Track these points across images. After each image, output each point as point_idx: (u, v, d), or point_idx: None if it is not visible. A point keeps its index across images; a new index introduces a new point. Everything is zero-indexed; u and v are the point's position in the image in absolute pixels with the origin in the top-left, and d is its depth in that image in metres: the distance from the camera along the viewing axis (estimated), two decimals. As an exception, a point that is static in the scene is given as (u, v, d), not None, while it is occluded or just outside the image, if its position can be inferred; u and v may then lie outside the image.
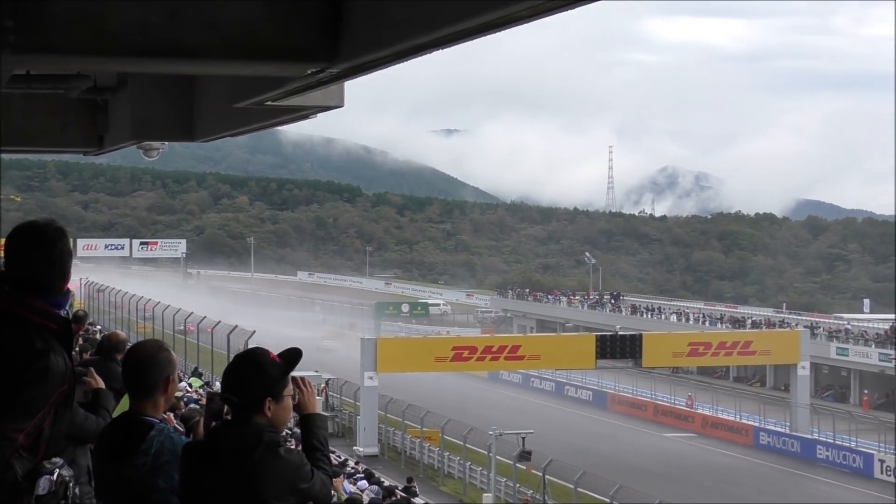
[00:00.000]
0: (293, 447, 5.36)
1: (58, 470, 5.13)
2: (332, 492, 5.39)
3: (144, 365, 5.75)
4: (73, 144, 12.27)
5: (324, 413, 5.43)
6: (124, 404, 6.27)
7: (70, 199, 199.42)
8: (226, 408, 5.44)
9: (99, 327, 38.29)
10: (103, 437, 5.92)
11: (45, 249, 5.05)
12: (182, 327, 60.65)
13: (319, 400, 50.40)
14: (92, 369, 7.46)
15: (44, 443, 5.07)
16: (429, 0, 4.74)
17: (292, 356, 5.32)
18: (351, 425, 63.95)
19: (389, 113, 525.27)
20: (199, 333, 58.00)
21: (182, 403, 17.69)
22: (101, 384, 7.32)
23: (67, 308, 6.21)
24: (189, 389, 26.03)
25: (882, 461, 58.80)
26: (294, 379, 5.43)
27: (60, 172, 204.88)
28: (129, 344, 8.17)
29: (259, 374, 5.22)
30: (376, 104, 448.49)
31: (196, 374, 41.24)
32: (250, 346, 5.62)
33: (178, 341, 57.38)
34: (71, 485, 5.16)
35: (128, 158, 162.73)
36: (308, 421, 5.51)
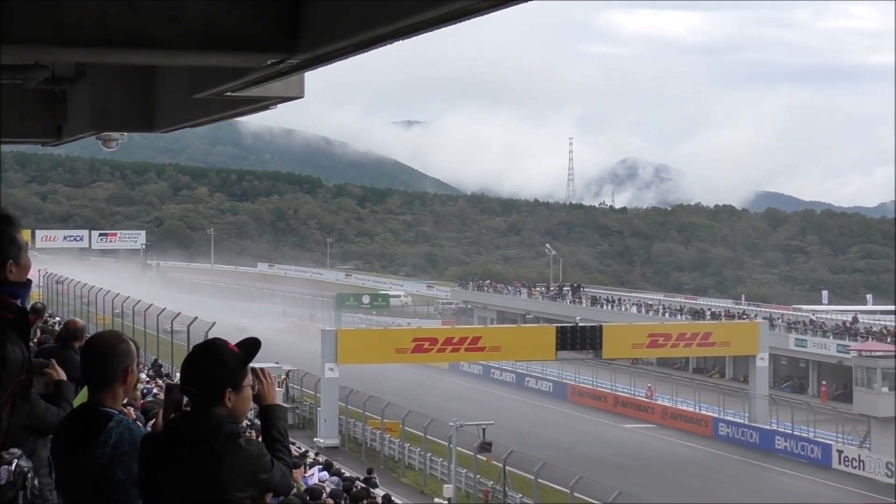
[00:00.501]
0: (253, 438, 5.35)
1: (16, 460, 5.11)
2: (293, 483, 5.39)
3: (103, 356, 5.70)
4: (31, 135, 12.20)
5: (284, 404, 5.41)
6: (83, 395, 6.24)
7: (28, 189, 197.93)
8: (185, 399, 5.42)
9: (58, 318, 38.06)
10: (62, 429, 5.88)
11: None
12: (169, 327, 60.01)
13: (280, 391, 50.37)
14: (53, 361, 7.42)
15: (1, 434, 5.04)
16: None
17: (251, 346, 5.31)
18: (311, 417, 63.82)
19: (349, 104, 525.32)
20: (158, 324, 57.75)
21: (140, 394, 17.63)
22: (63, 376, 7.27)
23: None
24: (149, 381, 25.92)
25: (840, 452, 59.15)
26: (254, 370, 5.40)
27: (18, 163, 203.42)
28: (87, 331, 8.12)
29: (218, 364, 5.20)
30: (336, 95, 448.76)
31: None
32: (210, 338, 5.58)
33: (138, 333, 57.17)
34: (30, 475, 5.15)
35: (87, 149, 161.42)
36: (268, 412, 5.48)
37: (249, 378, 5.30)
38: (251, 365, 5.38)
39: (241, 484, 5.08)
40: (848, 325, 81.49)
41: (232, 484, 5.07)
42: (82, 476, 5.64)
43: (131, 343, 5.83)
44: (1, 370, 4.91)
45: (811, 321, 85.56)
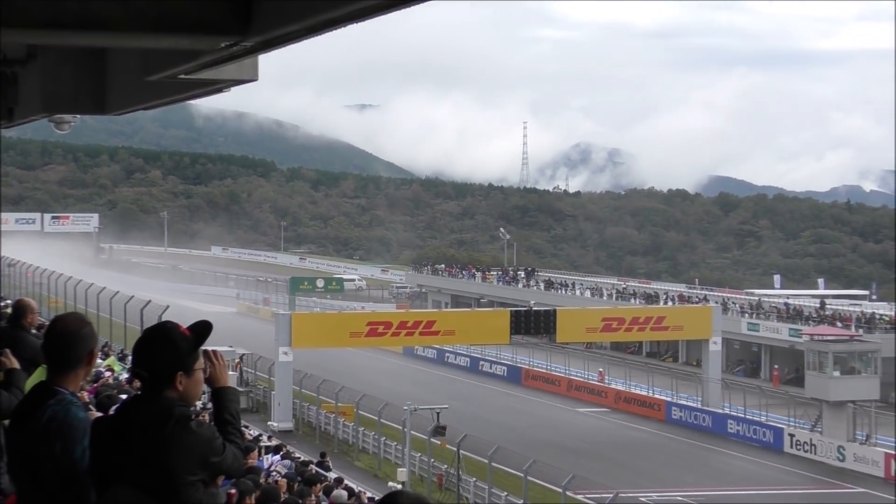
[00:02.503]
0: (205, 421, 5.33)
1: None
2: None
3: (68, 340, 5.69)
4: (-19, 117, 12.11)
5: (236, 387, 5.40)
6: (39, 374, 6.22)
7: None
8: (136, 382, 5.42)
9: (9, 301, 37.80)
10: (15, 409, 5.88)
11: None
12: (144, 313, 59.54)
13: (233, 375, 50.30)
14: (7, 350, 7.37)
15: None
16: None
17: (203, 329, 5.32)
18: (266, 400, 63.72)
19: (301, 87, 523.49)
20: (111, 308, 57.49)
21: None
22: (16, 364, 7.23)
23: None
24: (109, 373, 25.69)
25: (792, 435, 59.54)
26: (206, 352, 5.41)
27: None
28: (38, 312, 8.07)
29: (169, 347, 5.20)
30: (288, 79, 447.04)
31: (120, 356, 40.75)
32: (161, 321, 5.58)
33: (91, 316, 56.91)
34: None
35: (38, 132, 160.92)
36: (220, 394, 5.48)
37: (201, 361, 5.30)
38: (203, 348, 5.38)
39: (192, 467, 5.08)
40: (817, 309, 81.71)
41: (183, 467, 5.06)
42: (21, 454, 5.65)
43: (92, 326, 5.82)
44: None
45: (759, 304, 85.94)
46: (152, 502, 5.06)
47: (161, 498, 5.06)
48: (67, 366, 5.66)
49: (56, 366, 5.73)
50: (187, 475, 5.07)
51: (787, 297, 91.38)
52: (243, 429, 5.53)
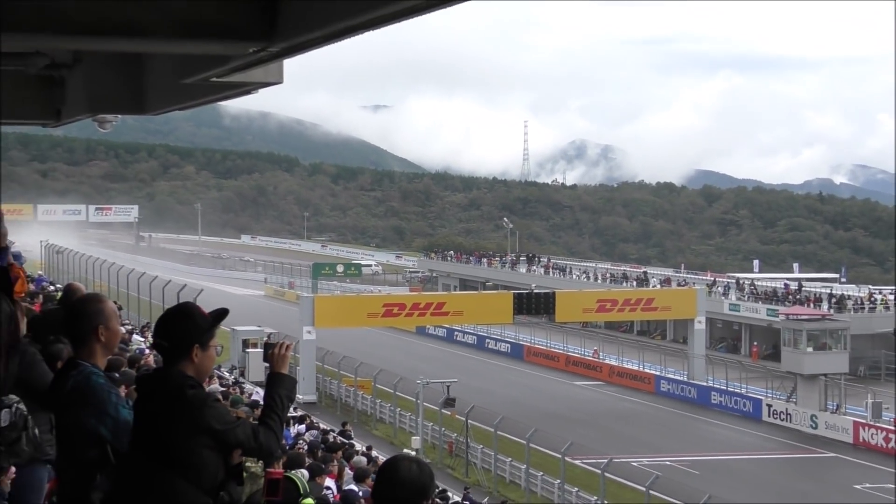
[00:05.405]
0: (204, 392, 5.34)
1: (15, 404, 5.12)
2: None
3: (73, 316, 5.75)
4: (32, 117, 12.14)
5: (293, 376, 5.43)
6: None
7: (30, 167, 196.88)
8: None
9: (59, 285, 37.85)
10: (50, 382, 5.91)
11: None
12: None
13: (261, 351, 50.24)
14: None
15: (2, 381, 5.06)
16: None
17: (220, 313, 5.41)
18: (291, 375, 63.67)
19: (320, 89, 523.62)
20: (150, 291, 57.49)
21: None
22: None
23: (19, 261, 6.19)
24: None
25: (769, 406, 59.52)
26: (280, 344, 5.63)
27: (20, 143, 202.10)
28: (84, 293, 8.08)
29: (189, 322, 5.28)
30: (308, 81, 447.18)
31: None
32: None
33: (132, 299, 57.00)
34: (29, 418, 5.16)
35: (83, 130, 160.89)
36: (273, 378, 5.57)
37: (216, 340, 5.36)
38: (279, 341, 5.59)
39: (186, 431, 5.08)
40: (793, 291, 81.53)
41: (177, 431, 5.08)
42: (56, 423, 5.71)
43: (106, 304, 5.81)
44: None
45: (741, 286, 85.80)
46: (155, 465, 5.08)
47: (163, 461, 5.08)
48: (81, 340, 5.70)
49: (72, 340, 5.81)
50: (181, 438, 5.07)
51: (763, 281, 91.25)
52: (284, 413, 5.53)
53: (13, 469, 6.72)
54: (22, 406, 5.14)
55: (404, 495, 4.58)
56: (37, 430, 5.29)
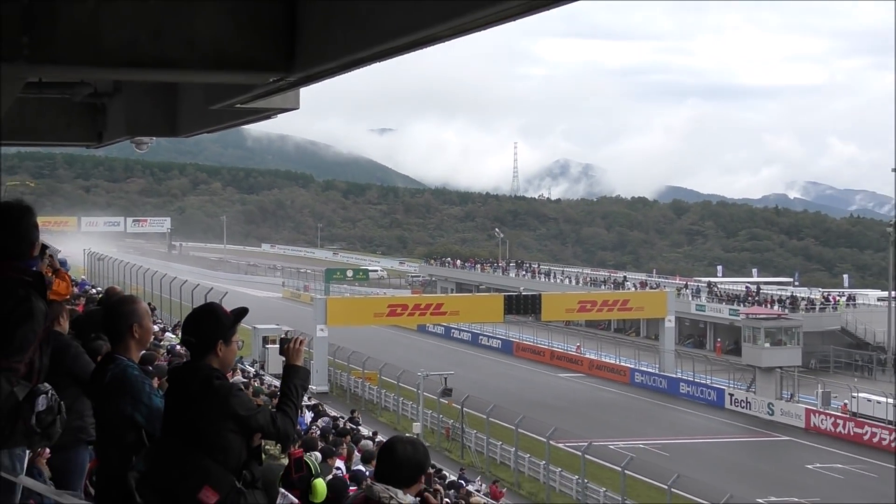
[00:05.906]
0: (229, 382, 5.35)
1: (50, 391, 5.14)
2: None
3: (110, 315, 5.79)
4: (77, 139, 12.19)
5: (306, 367, 5.45)
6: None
7: (74, 184, 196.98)
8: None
9: (100, 288, 37.83)
10: (90, 375, 5.94)
11: (11, 224, 5.10)
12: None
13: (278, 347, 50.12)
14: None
15: (36, 372, 5.10)
16: (366, 22, 4.75)
17: (241, 312, 5.42)
18: (305, 367, 63.57)
19: (333, 114, 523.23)
20: (181, 294, 57.41)
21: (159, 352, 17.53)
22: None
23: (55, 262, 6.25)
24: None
25: (731, 395, 59.51)
26: (294, 338, 5.62)
27: (66, 163, 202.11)
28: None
29: (213, 319, 5.29)
30: (322, 107, 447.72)
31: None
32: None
33: (165, 300, 56.93)
34: (62, 403, 5.19)
35: (122, 151, 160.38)
36: (289, 369, 5.56)
37: (237, 336, 5.37)
38: (293, 335, 5.64)
39: (214, 417, 5.09)
40: (752, 294, 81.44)
41: (204, 416, 5.09)
42: (96, 410, 5.76)
43: (140, 304, 5.84)
44: (32, 320, 5.00)
45: (708, 289, 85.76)
46: (186, 448, 5.10)
47: (193, 444, 5.09)
48: (117, 337, 5.72)
49: (110, 337, 5.84)
50: (209, 423, 5.08)
51: (726, 284, 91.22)
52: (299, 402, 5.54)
53: (48, 451, 6.76)
54: (54, 393, 5.17)
55: (403, 472, 4.65)
56: (65, 414, 5.32)
